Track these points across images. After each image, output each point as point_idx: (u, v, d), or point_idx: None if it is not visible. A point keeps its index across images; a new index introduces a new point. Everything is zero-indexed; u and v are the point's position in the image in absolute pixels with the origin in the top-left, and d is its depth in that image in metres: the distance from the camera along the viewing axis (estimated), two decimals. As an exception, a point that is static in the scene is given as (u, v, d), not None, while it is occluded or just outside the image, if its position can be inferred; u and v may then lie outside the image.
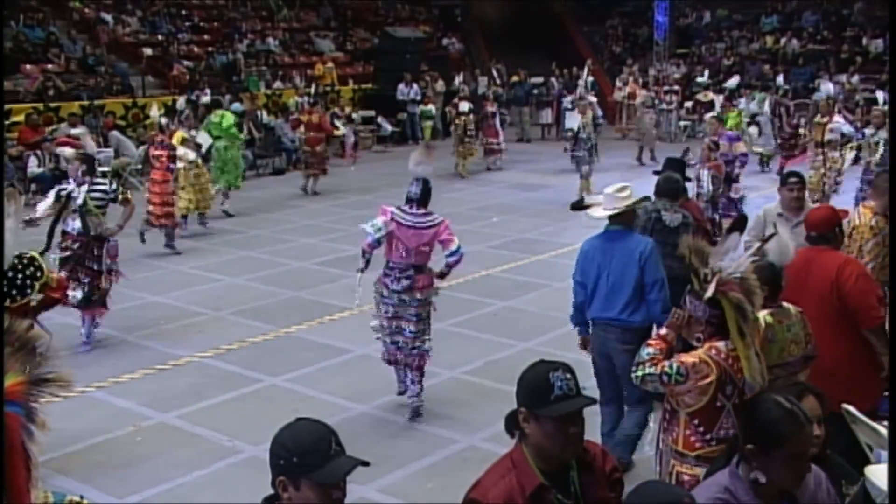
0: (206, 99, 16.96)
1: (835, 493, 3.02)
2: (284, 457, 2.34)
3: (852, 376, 4.71)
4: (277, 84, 21.86)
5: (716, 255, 3.80)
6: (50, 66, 18.52)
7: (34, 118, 16.00)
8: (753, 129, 12.19)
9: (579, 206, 6.09)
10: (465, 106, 17.43)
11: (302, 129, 15.83)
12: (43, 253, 6.88)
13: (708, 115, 12.86)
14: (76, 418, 6.28)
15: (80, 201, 7.83)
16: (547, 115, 23.24)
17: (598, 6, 30.06)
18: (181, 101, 15.12)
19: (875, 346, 4.80)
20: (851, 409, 3.86)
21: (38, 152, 15.07)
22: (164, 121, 12.40)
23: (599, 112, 15.47)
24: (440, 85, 22.93)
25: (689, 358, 3.70)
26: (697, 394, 3.68)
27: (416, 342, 6.44)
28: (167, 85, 20.06)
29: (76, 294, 7.79)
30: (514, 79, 23.32)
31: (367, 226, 6.39)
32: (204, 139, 12.93)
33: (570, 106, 19.23)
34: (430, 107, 20.99)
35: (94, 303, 7.99)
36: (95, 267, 7.95)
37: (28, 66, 18.07)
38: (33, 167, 14.91)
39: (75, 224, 7.87)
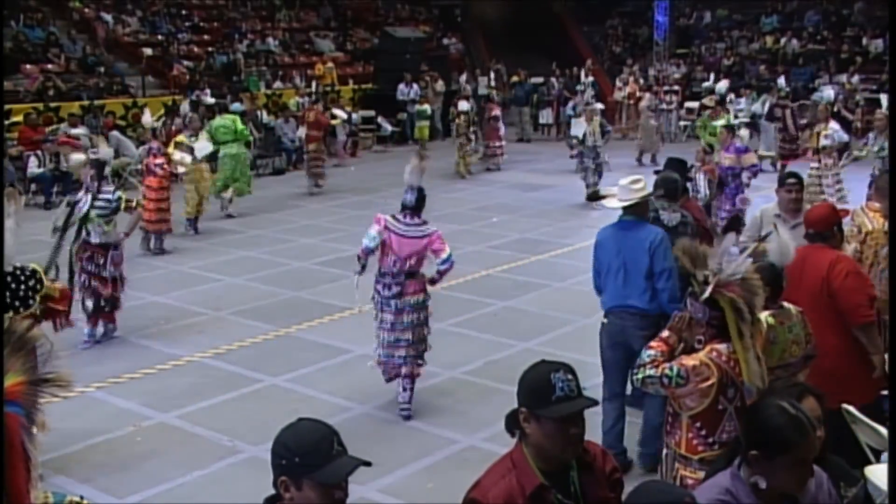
0: (209, 100, 16.95)
1: (836, 494, 3.01)
2: (286, 457, 2.34)
3: (847, 373, 4.73)
4: (277, 84, 21.86)
5: (713, 257, 3.80)
6: (50, 66, 18.53)
7: (34, 118, 16.01)
8: (744, 132, 12.14)
9: (595, 196, 6.19)
10: (464, 105, 17.43)
11: (304, 128, 15.90)
12: (49, 265, 6.96)
13: (720, 124, 12.80)
14: (76, 418, 6.28)
15: (84, 210, 7.92)
16: (547, 115, 23.23)
17: (598, 6, 30.07)
18: (185, 106, 15.06)
19: (865, 344, 4.80)
20: (851, 408, 3.86)
21: (38, 152, 15.09)
22: (157, 125, 12.41)
23: (608, 127, 15.26)
24: (440, 85, 22.92)
25: (689, 360, 3.69)
26: (699, 396, 3.67)
27: (410, 350, 6.50)
28: (167, 85, 20.06)
29: (89, 303, 8.01)
30: (514, 79, 23.32)
31: (365, 239, 6.50)
32: (201, 147, 12.49)
33: (572, 112, 19.18)
34: (426, 107, 20.94)
35: (102, 309, 8.13)
36: (104, 274, 8.06)
37: (28, 66, 18.07)
38: (33, 167, 14.93)
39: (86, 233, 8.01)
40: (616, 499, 2.78)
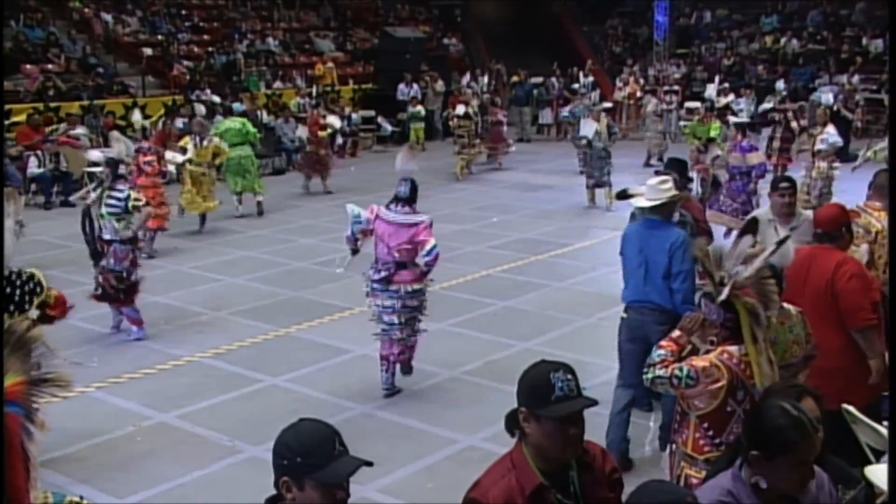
0: (215, 98, 16.96)
1: (836, 494, 3.01)
2: (288, 457, 2.34)
3: (848, 374, 4.71)
4: (277, 84, 21.86)
5: (729, 259, 3.79)
6: (50, 66, 18.53)
7: (34, 118, 16.00)
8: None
9: (624, 195, 6.31)
10: (460, 109, 17.38)
11: (305, 129, 15.94)
12: (93, 253, 7.90)
13: (732, 121, 12.80)
14: (76, 418, 6.28)
15: (99, 206, 8.18)
16: (547, 115, 23.23)
17: (598, 6, 30.08)
18: (200, 108, 15.05)
19: (863, 348, 4.78)
20: (851, 409, 3.85)
21: (39, 152, 15.08)
22: (146, 124, 12.42)
23: (615, 127, 15.21)
24: (440, 85, 22.91)
25: (700, 361, 3.68)
26: (708, 398, 3.66)
27: (395, 333, 6.73)
28: (167, 85, 20.06)
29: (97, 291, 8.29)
30: (514, 79, 23.31)
31: (349, 211, 6.85)
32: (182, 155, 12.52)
33: (569, 114, 19.12)
34: (419, 108, 20.91)
35: (111, 297, 8.25)
36: (106, 265, 8.21)
37: (28, 66, 18.08)
38: (33, 167, 14.92)
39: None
40: (616, 499, 2.78)
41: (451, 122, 17.39)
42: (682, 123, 21.86)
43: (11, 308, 4.99)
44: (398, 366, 6.96)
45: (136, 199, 8.29)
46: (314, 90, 19.21)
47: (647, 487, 2.52)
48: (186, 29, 22.98)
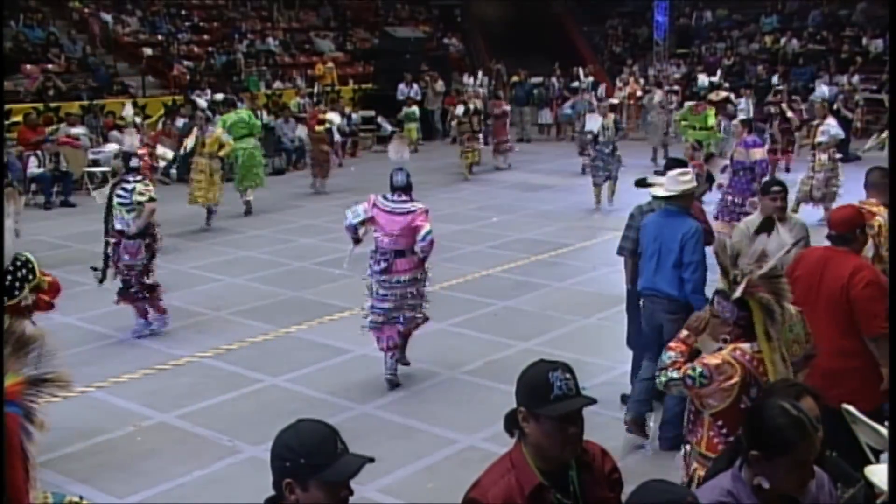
0: (218, 96, 16.97)
1: (837, 494, 3.01)
2: (290, 458, 2.32)
3: (858, 377, 4.69)
4: (277, 84, 21.86)
5: (744, 257, 3.80)
6: (50, 66, 18.53)
7: (34, 118, 16.00)
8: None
9: (642, 183, 6.40)
10: (460, 109, 17.37)
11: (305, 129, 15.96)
12: (103, 274, 8.05)
13: (735, 121, 12.80)
14: (76, 418, 6.27)
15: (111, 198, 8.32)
16: (547, 115, 23.22)
17: (598, 6, 30.09)
18: (202, 101, 15.07)
19: (875, 355, 4.76)
20: (851, 408, 3.85)
21: (38, 152, 15.08)
22: (137, 120, 12.40)
23: (622, 123, 15.20)
24: (440, 85, 22.91)
25: (713, 359, 3.69)
26: (722, 395, 3.65)
27: (397, 315, 6.88)
28: (167, 85, 20.07)
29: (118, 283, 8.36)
30: (514, 79, 23.30)
31: (348, 212, 6.99)
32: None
33: (570, 111, 19.08)
34: (414, 108, 20.89)
35: (132, 294, 8.30)
36: (132, 262, 8.29)
37: (28, 66, 18.08)
38: (33, 167, 14.92)
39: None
40: (616, 498, 2.78)
41: (451, 123, 17.38)
42: (674, 115, 21.87)
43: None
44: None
45: (139, 194, 8.30)
46: (314, 90, 19.18)
47: (647, 487, 2.51)
48: (186, 29, 22.99)
